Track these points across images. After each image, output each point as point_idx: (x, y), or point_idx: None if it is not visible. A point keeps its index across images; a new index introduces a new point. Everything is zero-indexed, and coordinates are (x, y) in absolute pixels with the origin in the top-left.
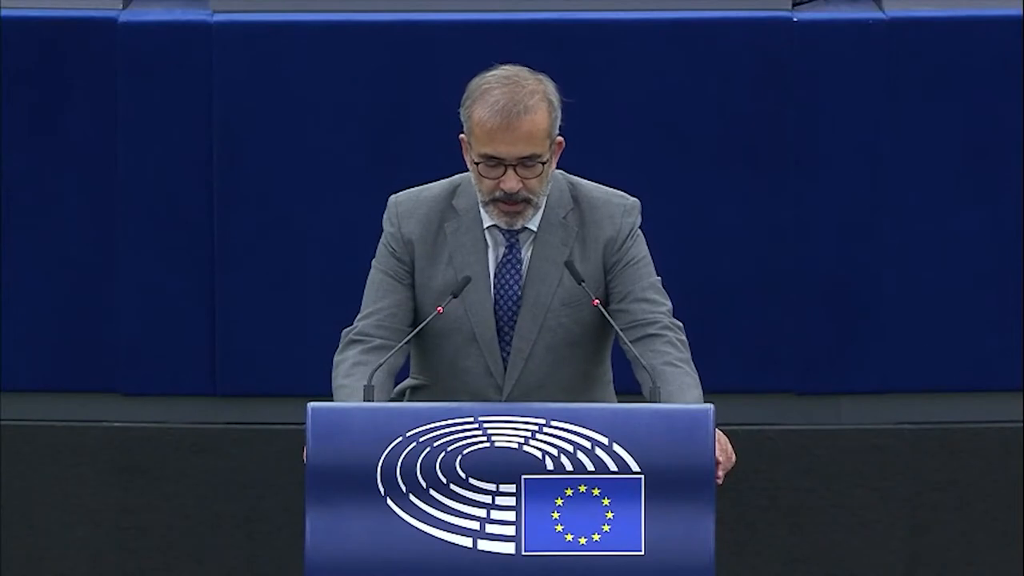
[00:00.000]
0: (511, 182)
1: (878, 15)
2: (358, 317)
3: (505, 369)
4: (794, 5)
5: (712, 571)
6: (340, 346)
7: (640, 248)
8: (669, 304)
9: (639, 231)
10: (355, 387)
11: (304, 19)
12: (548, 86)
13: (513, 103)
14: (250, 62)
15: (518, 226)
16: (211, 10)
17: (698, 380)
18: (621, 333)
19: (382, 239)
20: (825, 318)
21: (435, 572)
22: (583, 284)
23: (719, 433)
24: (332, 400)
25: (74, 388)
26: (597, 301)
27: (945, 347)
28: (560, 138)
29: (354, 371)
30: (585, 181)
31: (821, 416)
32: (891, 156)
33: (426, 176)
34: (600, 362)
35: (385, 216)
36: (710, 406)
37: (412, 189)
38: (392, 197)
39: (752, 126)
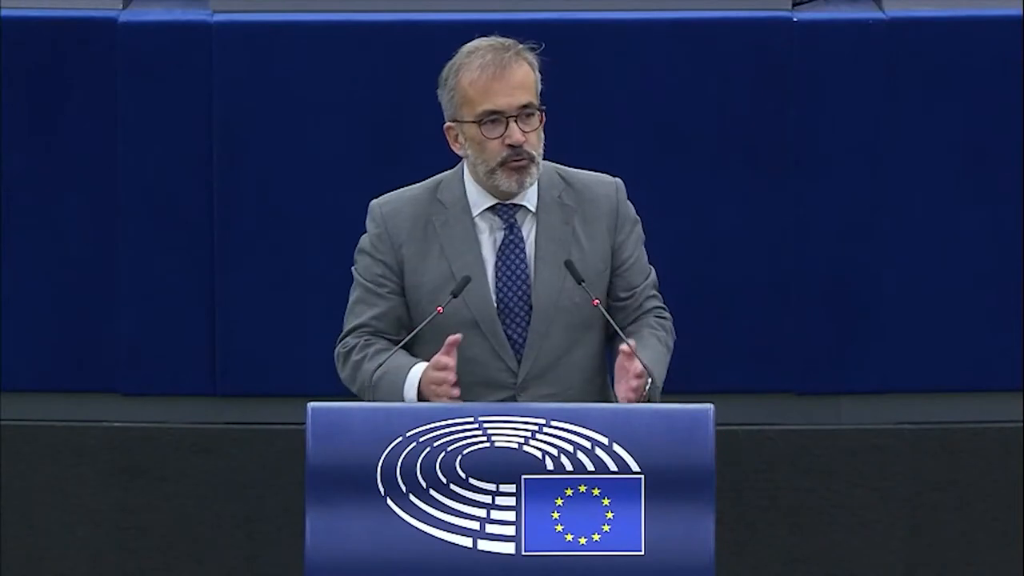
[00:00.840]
0: (516, 133)
1: (878, 15)
2: (342, 334)
3: (517, 352)
4: (794, 5)
5: (712, 571)
6: (339, 363)
7: (640, 234)
8: (663, 303)
9: (637, 216)
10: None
11: (304, 19)
12: (529, 51)
13: (499, 56)
14: (250, 62)
15: (527, 186)
16: (211, 10)
17: (668, 344)
18: (615, 323)
19: (362, 246)
20: (825, 318)
21: (435, 572)
22: (583, 284)
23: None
24: (354, 400)
25: (74, 388)
26: (597, 301)
27: (945, 347)
28: (542, 109)
29: (375, 359)
30: (566, 167)
31: (821, 416)
32: (891, 156)
33: (425, 177)
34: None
35: (368, 219)
36: (710, 406)
37: (392, 192)
38: (373, 201)
39: (752, 126)
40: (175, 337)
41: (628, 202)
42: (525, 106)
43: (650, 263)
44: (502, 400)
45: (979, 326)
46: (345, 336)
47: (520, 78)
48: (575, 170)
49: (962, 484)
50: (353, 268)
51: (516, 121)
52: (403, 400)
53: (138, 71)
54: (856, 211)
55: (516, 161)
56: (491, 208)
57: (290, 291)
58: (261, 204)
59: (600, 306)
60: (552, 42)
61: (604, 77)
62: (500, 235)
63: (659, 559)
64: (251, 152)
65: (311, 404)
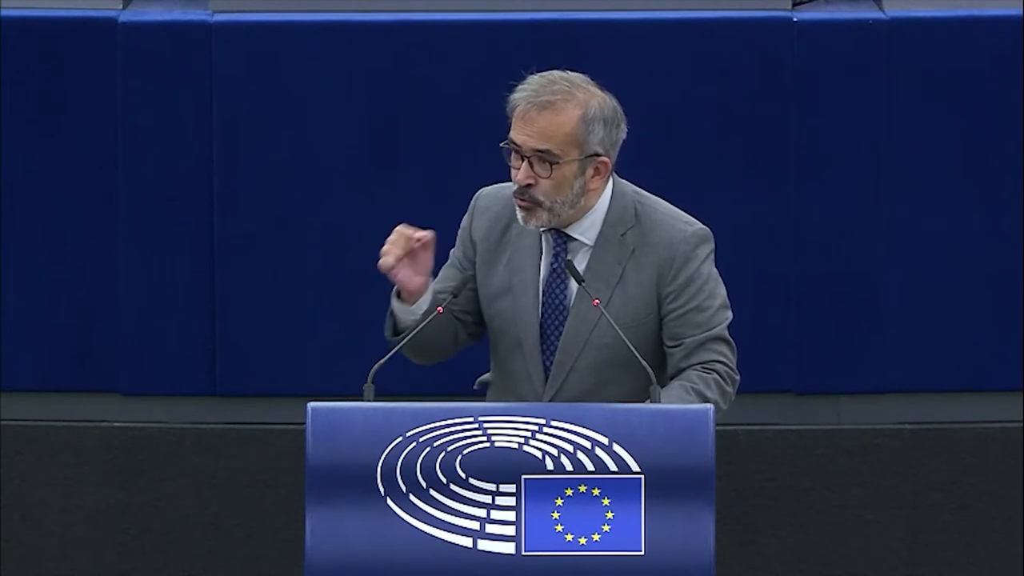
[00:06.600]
0: (520, 174)
1: (878, 15)
2: None
3: (546, 378)
4: (794, 5)
5: (712, 571)
6: None
7: (701, 290)
8: (724, 357)
9: (707, 270)
10: None
11: (304, 19)
12: (594, 99)
13: (538, 96)
14: (250, 62)
15: (532, 226)
16: (211, 10)
17: (705, 394)
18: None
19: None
20: (825, 318)
21: (435, 572)
22: (583, 284)
23: None
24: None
25: (74, 388)
26: (597, 301)
27: (945, 347)
28: (605, 159)
29: None
30: (656, 200)
31: (821, 416)
32: (891, 156)
33: (425, 177)
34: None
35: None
36: (710, 406)
37: (500, 184)
38: (481, 189)
39: (752, 126)
40: (175, 337)
41: (697, 256)
42: (542, 151)
43: None
44: None
45: (979, 326)
46: None
47: (547, 123)
48: (659, 208)
49: (962, 484)
50: None
51: (531, 163)
52: (393, 313)
53: (138, 71)
54: (856, 211)
55: (518, 199)
56: (550, 230)
57: (290, 291)
58: (261, 204)
59: (600, 306)
60: (552, 42)
61: (604, 77)
62: (552, 259)
63: (659, 559)
64: (251, 152)
65: (311, 404)
